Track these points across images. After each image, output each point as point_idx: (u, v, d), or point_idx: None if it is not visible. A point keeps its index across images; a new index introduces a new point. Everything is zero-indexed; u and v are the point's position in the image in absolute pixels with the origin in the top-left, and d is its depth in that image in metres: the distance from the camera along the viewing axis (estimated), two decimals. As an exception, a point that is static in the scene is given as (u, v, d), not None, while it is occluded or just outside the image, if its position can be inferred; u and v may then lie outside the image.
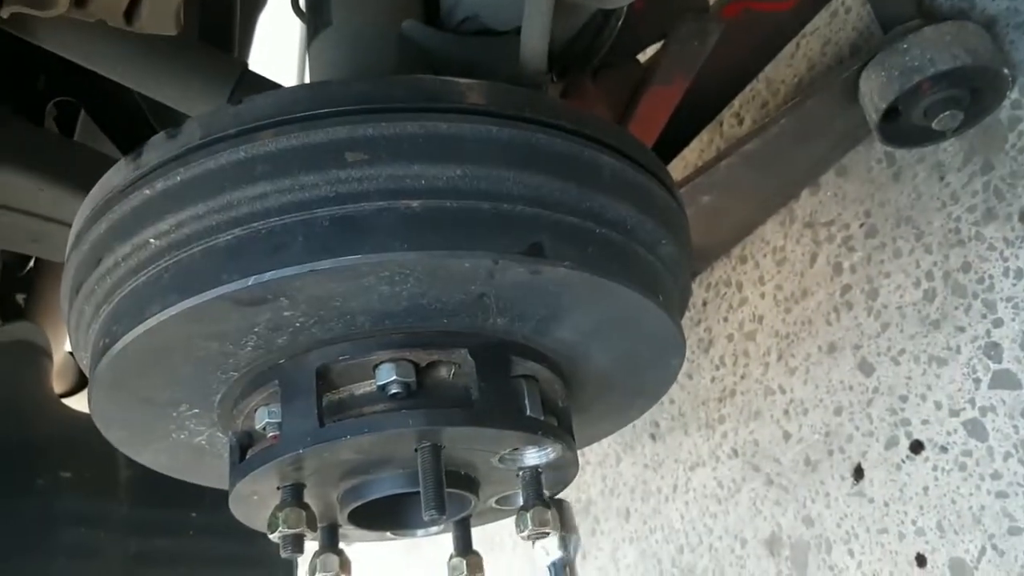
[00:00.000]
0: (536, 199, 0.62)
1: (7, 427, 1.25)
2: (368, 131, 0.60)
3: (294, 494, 0.68)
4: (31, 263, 1.82)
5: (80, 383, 1.95)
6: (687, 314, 0.82)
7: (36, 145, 1.06)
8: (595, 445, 1.56)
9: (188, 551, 1.37)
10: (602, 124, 0.69)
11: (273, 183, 0.59)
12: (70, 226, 1.11)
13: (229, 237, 0.59)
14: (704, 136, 1.51)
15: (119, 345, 0.63)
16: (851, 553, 1.20)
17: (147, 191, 0.62)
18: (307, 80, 0.93)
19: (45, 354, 1.40)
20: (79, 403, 1.92)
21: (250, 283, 0.58)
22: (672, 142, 1.40)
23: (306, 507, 0.68)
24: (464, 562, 0.76)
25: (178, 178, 0.61)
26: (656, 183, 0.72)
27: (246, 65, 1.01)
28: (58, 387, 1.81)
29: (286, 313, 0.61)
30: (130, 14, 0.84)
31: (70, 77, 1.24)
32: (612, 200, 0.66)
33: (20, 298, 1.90)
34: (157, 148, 0.63)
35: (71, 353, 1.95)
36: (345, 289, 0.60)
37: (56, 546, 1.24)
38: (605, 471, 1.75)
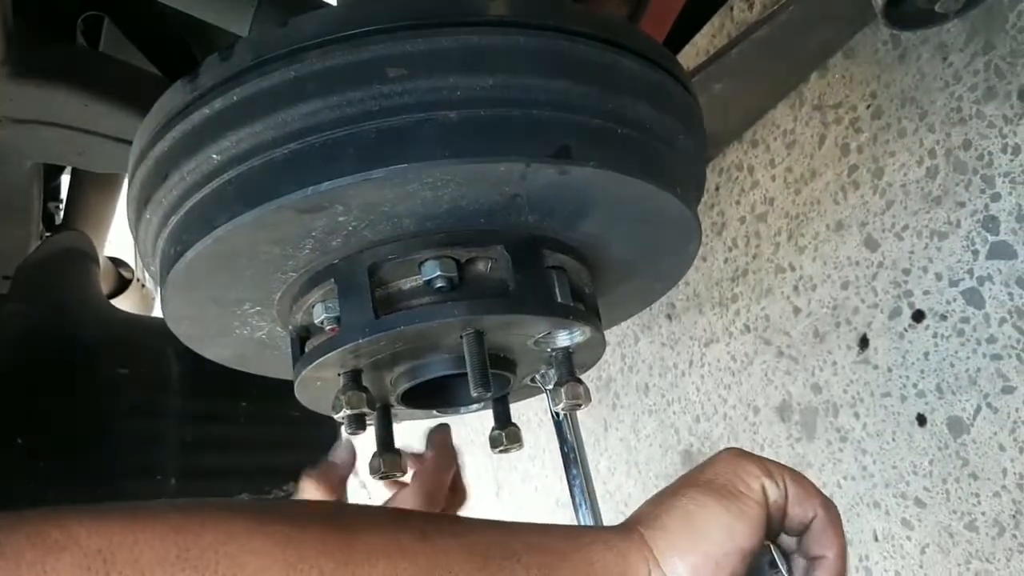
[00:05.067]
0: (562, 104, 0.67)
1: (65, 329, 1.34)
2: (406, 47, 0.65)
3: (354, 379, 0.76)
4: (63, 175, 1.88)
5: (120, 286, 2.04)
6: (701, 199, 0.88)
7: (78, 61, 1.11)
8: (615, 327, 1.64)
9: (238, 437, 1.47)
10: (620, 27, 0.74)
11: (323, 100, 0.64)
12: (112, 138, 1.17)
13: (286, 151, 0.65)
14: (715, 21, 1.53)
15: (191, 253, 0.69)
16: (856, 416, 1.29)
17: (206, 110, 0.67)
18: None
19: (92, 259, 1.47)
20: (120, 305, 2.01)
21: (308, 192, 0.64)
22: (684, 28, 1.43)
23: (365, 390, 0.76)
24: (503, 433, 0.85)
25: (234, 98, 0.66)
26: (672, 80, 0.76)
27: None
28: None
29: (340, 218, 0.68)
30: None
31: (95, -11, 1.27)
32: (632, 101, 0.71)
33: (52, 206, 1.97)
34: (212, 70, 0.68)
35: (110, 258, 2.03)
36: (393, 195, 0.66)
37: (120, 435, 1.34)
38: (624, 350, 1.84)
